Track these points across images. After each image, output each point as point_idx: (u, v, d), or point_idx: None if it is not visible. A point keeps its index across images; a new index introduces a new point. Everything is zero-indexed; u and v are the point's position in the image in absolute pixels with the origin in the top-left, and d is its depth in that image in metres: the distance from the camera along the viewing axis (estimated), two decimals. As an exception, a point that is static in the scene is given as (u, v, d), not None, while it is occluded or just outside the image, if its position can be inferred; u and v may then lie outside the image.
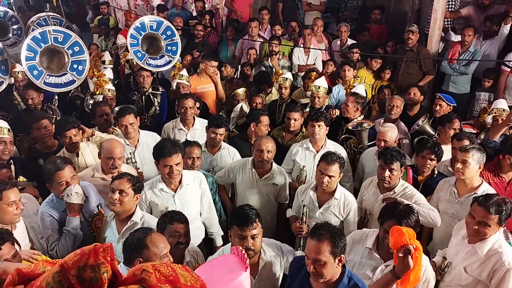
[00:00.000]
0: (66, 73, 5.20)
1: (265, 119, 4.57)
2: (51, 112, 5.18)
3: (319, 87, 5.13)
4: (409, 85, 5.52)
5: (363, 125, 4.62)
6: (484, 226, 2.79)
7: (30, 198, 3.57)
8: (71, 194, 3.14)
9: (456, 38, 6.45)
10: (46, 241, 3.22)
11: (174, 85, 5.66)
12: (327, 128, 4.30)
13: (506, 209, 2.78)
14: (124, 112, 4.27)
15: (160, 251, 2.45)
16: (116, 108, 5.10)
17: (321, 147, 4.28)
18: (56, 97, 5.22)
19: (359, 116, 4.84)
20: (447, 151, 4.10)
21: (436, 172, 3.94)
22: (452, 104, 4.96)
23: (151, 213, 3.51)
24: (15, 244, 2.64)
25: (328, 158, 3.41)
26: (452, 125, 4.41)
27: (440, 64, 6.33)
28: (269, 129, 4.64)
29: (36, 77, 5.02)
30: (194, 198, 3.58)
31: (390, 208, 2.84)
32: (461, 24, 6.73)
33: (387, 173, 3.45)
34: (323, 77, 5.38)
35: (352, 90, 5.24)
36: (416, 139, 4.87)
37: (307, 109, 5.24)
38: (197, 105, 5.08)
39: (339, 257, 2.39)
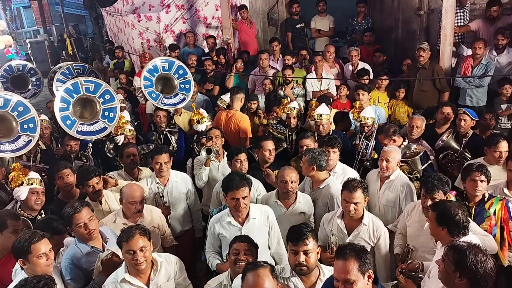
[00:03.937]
0: (98, 121, 5.35)
1: (266, 144, 4.60)
2: (85, 160, 5.33)
3: (321, 115, 5.17)
4: (442, 103, 5.45)
5: (411, 149, 4.56)
6: None
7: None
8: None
9: (468, 52, 6.46)
10: None
11: (203, 128, 5.66)
12: (339, 153, 4.42)
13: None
14: (160, 150, 4.44)
15: None
16: None
17: (330, 171, 4.34)
18: (90, 145, 5.34)
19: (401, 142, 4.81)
20: (494, 173, 3.91)
21: (487, 196, 3.70)
22: (475, 119, 4.95)
23: (221, 246, 3.59)
24: None
25: (349, 185, 3.42)
26: (499, 147, 4.20)
27: (455, 79, 6.33)
28: (273, 154, 4.64)
29: (69, 126, 5.18)
30: (261, 232, 3.56)
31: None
32: (472, 38, 6.76)
33: (429, 202, 3.37)
34: (323, 104, 5.40)
35: (361, 114, 5.27)
36: (441, 155, 4.86)
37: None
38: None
39: (367, 273, 2.41)
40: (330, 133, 5.23)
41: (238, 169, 4.31)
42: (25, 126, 4.92)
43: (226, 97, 6.35)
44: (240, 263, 2.93)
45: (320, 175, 4.10)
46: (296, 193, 3.95)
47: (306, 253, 2.80)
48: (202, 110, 5.90)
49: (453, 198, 3.67)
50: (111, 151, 5.40)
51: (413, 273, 3.13)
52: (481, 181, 3.62)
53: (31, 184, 4.06)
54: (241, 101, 5.92)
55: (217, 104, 6.43)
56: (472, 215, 3.68)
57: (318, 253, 2.92)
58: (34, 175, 4.15)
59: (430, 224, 3.08)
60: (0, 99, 4.82)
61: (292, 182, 3.82)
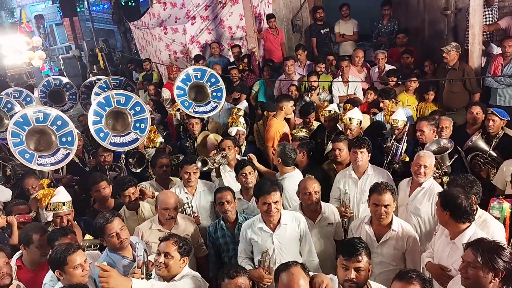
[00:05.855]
0: (130, 132, 5.53)
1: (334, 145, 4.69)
2: (118, 171, 5.49)
3: (350, 119, 5.12)
4: (471, 104, 5.34)
5: (441, 144, 4.49)
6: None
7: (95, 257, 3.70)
8: None
9: (498, 50, 6.30)
10: None
11: (234, 132, 5.72)
12: (369, 154, 4.31)
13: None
14: (191, 160, 4.52)
15: None
16: None
17: (363, 173, 4.28)
18: (123, 156, 5.49)
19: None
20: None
21: None
22: (505, 119, 4.80)
23: (252, 252, 3.61)
24: None
25: (379, 188, 3.37)
26: None
27: (485, 79, 6.18)
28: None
29: (102, 139, 5.37)
30: (293, 239, 3.55)
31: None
32: (501, 36, 6.59)
33: None
34: (356, 109, 5.36)
35: (392, 117, 5.20)
36: (469, 156, 4.74)
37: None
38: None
39: None
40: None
41: (243, 183, 4.30)
42: (64, 139, 5.11)
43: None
44: None
45: (283, 169, 4.46)
46: (320, 203, 3.89)
47: (357, 270, 2.68)
48: (241, 119, 5.93)
49: (508, 205, 3.57)
50: (135, 167, 5.46)
51: None
52: None
53: (53, 209, 4.00)
54: (283, 109, 5.80)
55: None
56: None
57: (369, 271, 2.79)
58: (57, 199, 4.02)
59: (437, 211, 3.15)
60: (40, 114, 5.03)
61: (315, 192, 3.77)
